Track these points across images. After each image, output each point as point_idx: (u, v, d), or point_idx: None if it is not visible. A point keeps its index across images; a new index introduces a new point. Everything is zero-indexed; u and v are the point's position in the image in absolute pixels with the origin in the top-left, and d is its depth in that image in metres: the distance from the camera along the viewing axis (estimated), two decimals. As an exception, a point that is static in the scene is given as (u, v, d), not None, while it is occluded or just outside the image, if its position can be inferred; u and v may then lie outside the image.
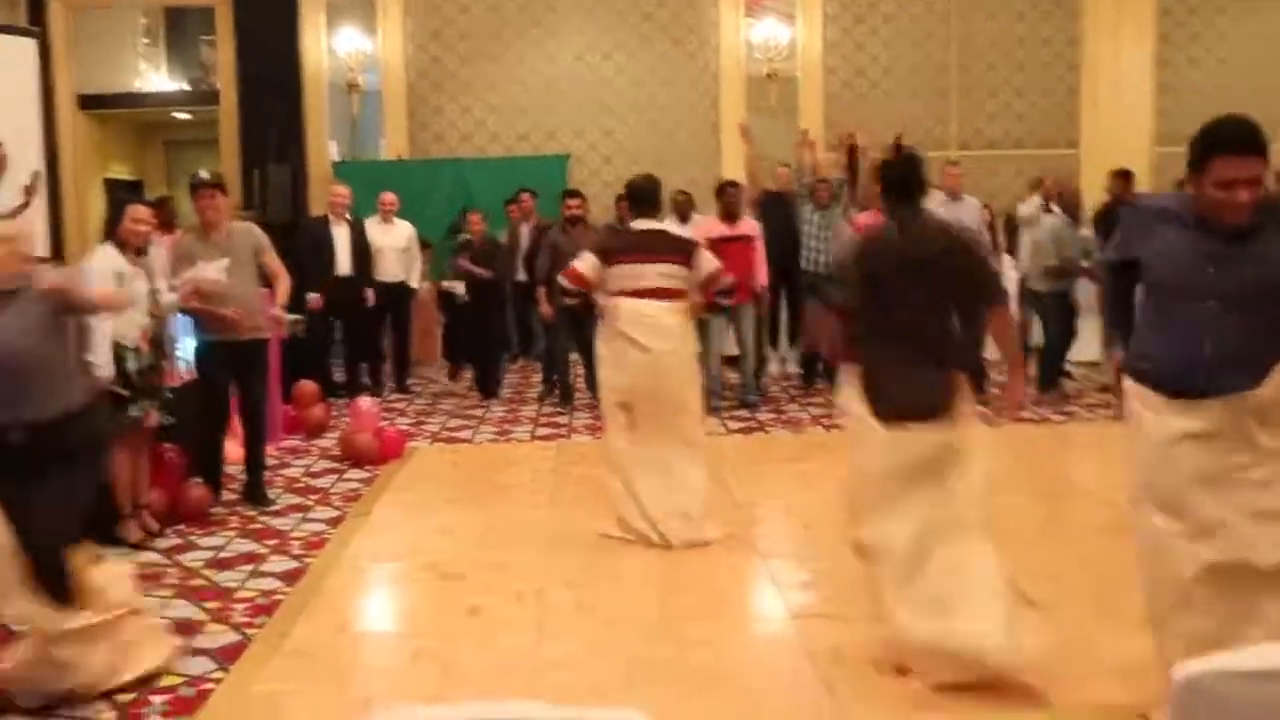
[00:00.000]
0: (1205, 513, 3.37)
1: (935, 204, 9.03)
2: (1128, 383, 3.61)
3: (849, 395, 4.14)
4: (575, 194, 9.60)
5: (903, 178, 4.25)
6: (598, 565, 5.41)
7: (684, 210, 9.78)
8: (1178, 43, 13.59)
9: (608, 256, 5.76)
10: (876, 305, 4.06)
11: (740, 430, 8.35)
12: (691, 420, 5.83)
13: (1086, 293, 9.12)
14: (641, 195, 5.92)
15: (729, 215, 9.07)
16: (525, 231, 10.31)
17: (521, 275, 10.14)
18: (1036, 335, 9.51)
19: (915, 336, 4.01)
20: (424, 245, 10.57)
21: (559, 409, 9.24)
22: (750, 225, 9.17)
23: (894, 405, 3.98)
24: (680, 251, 5.79)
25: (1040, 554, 5.44)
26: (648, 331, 5.62)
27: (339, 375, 10.17)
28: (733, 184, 9.44)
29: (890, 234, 4.22)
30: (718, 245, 8.82)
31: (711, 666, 4.21)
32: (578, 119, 13.44)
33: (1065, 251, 8.95)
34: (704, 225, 9.09)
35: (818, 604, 4.84)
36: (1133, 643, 3.85)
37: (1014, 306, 9.87)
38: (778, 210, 9.79)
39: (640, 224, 5.89)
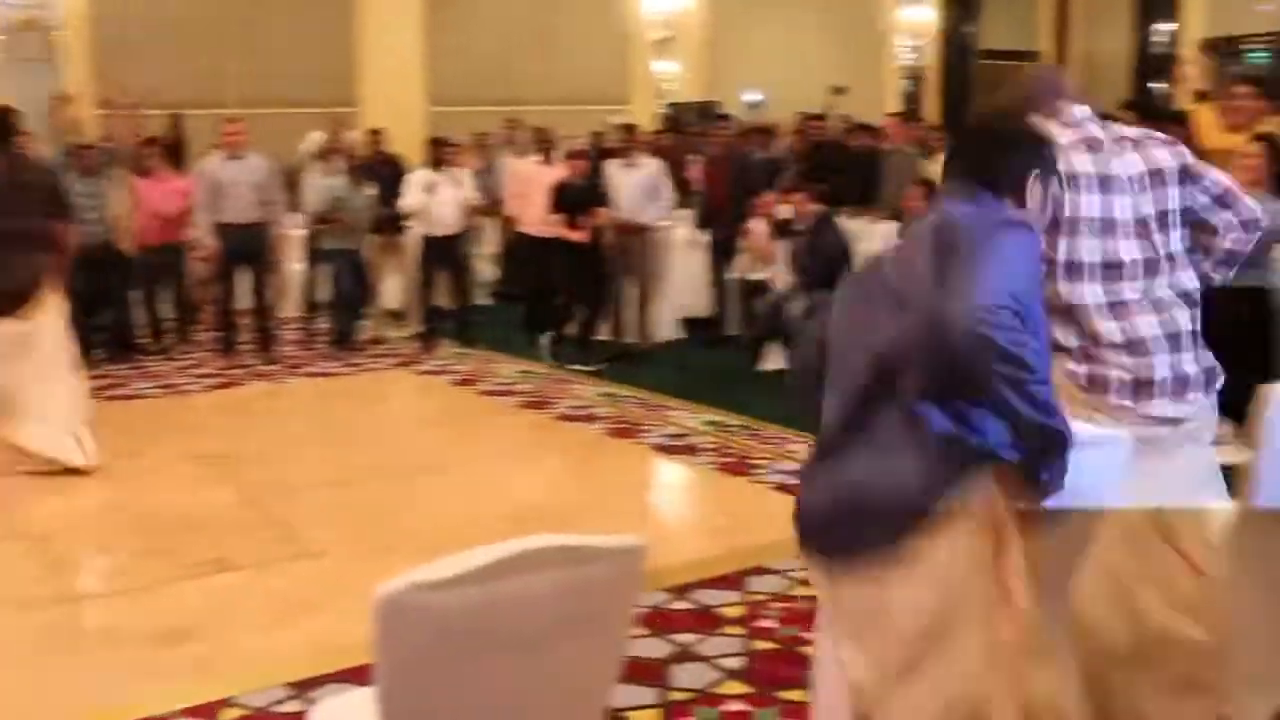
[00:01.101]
0: None
1: (213, 163, 8.82)
2: None
3: None
4: None
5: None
6: None
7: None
8: (445, 7, 14.34)
9: None
10: None
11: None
12: None
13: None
14: None
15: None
16: None
17: None
18: (326, 291, 9.68)
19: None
20: None
21: None
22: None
23: None
24: None
25: (325, 500, 5.63)
26: None
27: None
28: None
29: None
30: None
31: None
32: None
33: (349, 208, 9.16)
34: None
35: (95, 582, 4.67)
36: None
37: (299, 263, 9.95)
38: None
39: None
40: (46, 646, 4.10)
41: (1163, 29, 17.55)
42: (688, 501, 5.97)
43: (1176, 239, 3.10)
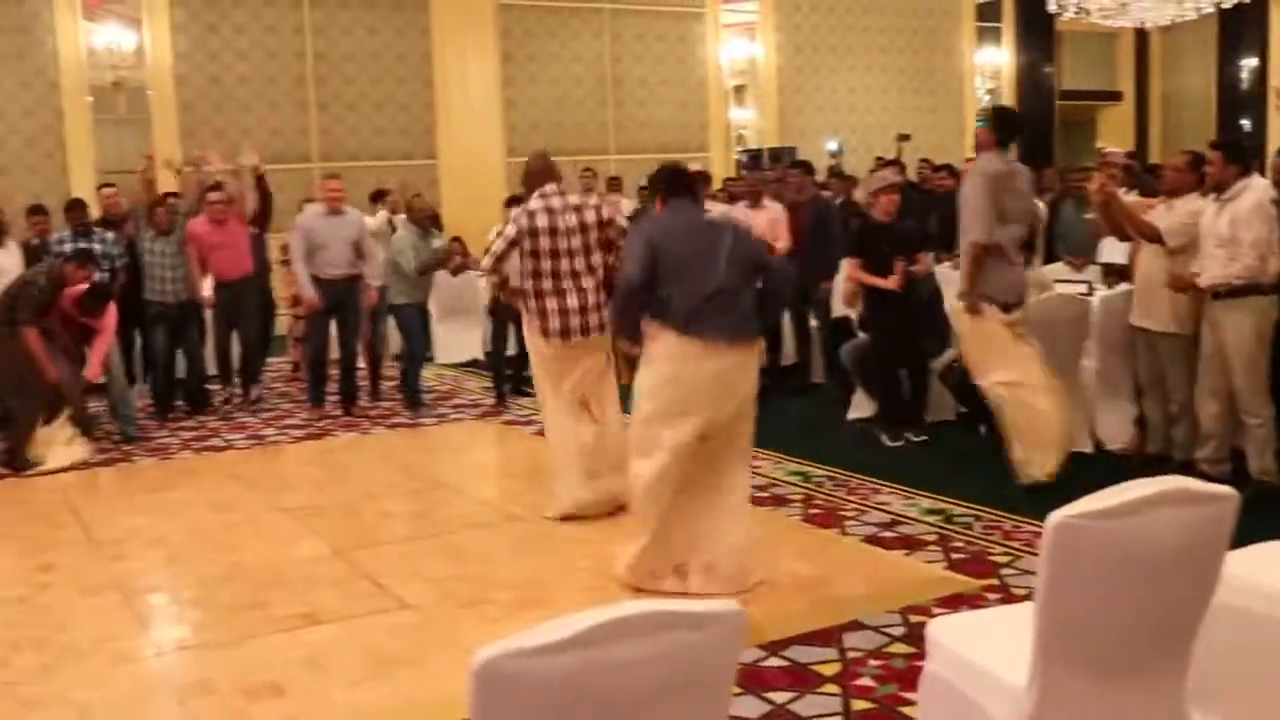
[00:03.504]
0: None
1: (311, 218, 8.84)
2: None
3: None
4: None
5: None
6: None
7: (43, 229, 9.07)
8: (518, 62, 14.54)
9: None
10: None
11: (103, 462, 7.77)
12: None
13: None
14: None
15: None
16: None
17: None
18: (395, 346, 9.77)
19: None
20: None
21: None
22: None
23: None
24: None
25: (414, 552, 5.63)
26: None
27: None
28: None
29: None
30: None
31: (74, 714, 3.92)
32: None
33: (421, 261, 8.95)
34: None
35: (187, 636, 4.70)
36: (495, 631, 4.05)
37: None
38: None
39: None
40: (141, 698, 4.13)
41: (1247, 65, 17.28)
42: (778, 554, 5.87)
43: None
